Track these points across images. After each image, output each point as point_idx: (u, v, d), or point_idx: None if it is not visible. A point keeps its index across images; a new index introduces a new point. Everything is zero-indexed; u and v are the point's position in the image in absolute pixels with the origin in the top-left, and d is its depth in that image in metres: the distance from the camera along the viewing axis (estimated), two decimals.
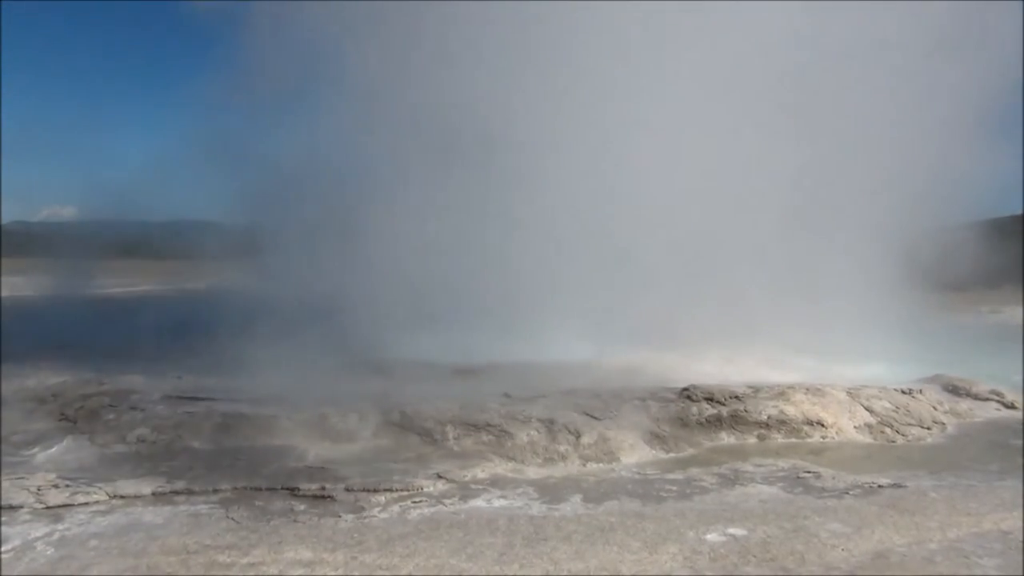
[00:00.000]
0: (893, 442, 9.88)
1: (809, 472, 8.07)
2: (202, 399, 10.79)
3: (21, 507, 6.88)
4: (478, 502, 7.20)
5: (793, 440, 9.80)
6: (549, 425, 9.31)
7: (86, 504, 7.03)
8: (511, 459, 8.73)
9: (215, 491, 7.49)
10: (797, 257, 16.01)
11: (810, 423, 10.02)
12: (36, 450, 9.12)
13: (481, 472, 8.15)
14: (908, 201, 17.16)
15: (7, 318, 20.99)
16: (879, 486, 7.45)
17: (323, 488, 7.44)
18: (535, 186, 15.46)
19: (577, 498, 7.29)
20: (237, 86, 20.39)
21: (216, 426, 9.57)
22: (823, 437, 9.89)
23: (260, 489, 7.57)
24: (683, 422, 10.02)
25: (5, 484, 7.40)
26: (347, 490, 7.41)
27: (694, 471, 8.31)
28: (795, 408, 10.21)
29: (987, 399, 11.60)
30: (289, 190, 19.88)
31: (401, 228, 15.77)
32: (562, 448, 8.96)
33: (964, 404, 11.41)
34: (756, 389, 10.72)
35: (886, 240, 16.69)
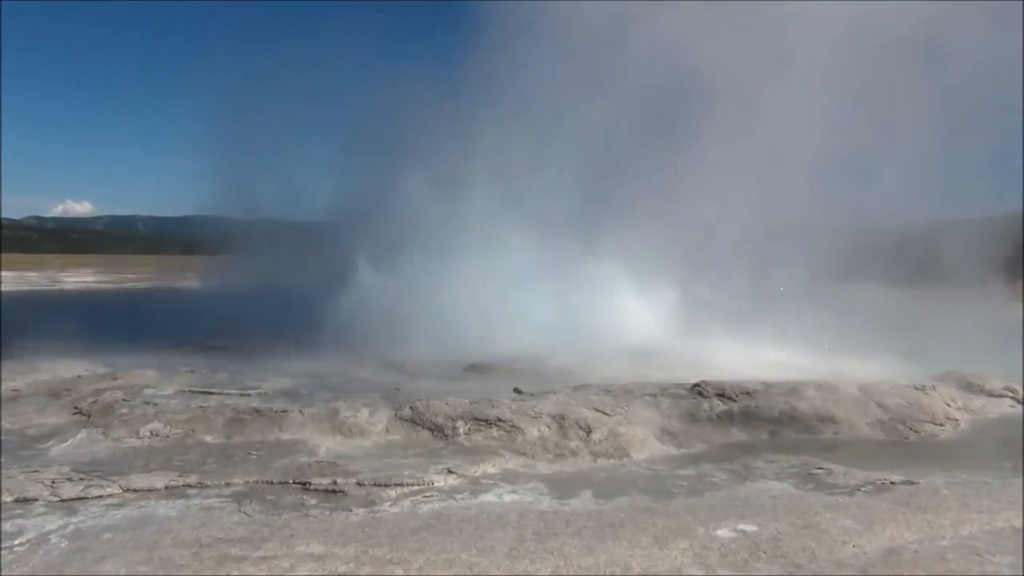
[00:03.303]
0: (905, 438, 9.82)
1: (820, 468, 8.04)
2: (214, 393, 10.87)
3: (36, 500, 6.94)
4: (489, 497, 7.22)
5: (805, 436, 9.75)
6: (560, 421, 9.31)
7: (100, 497, 7.08)
8: (522, 454, 8.74)
9: (227, 485, 7.54)
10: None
11: (822, 419, 9.98)
12: (51, 443, 9.20)
13: (492, 467, 8.16)
14: (916, 200, 17.14)
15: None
16: (891, 483, 7.41)
17: (334, 483, 7.47)
18: None
19: (587, 494, 7.29)
20: None
21: (228, 420, 9.63)
22: (835, 433, 9.84)
23: (272, 483, 7.62)
24: (694, 418, 10.00)
25: (20, 477, 7.47)
26: (358, 485, 7.44)
27: (705, 467, 8.30)
28: (807, 404, 10.17)
29: (1001, 395, 11.52)
30: None
31: None
32: (573, 444, 8.96)
33: (978, 400, 11.33)
34: (768, 385, 10.68)
35: (899, 238, 16.67)
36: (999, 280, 21.52)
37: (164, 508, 6.81)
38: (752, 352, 13.84)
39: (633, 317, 15.99)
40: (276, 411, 9.76)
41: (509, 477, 7.90)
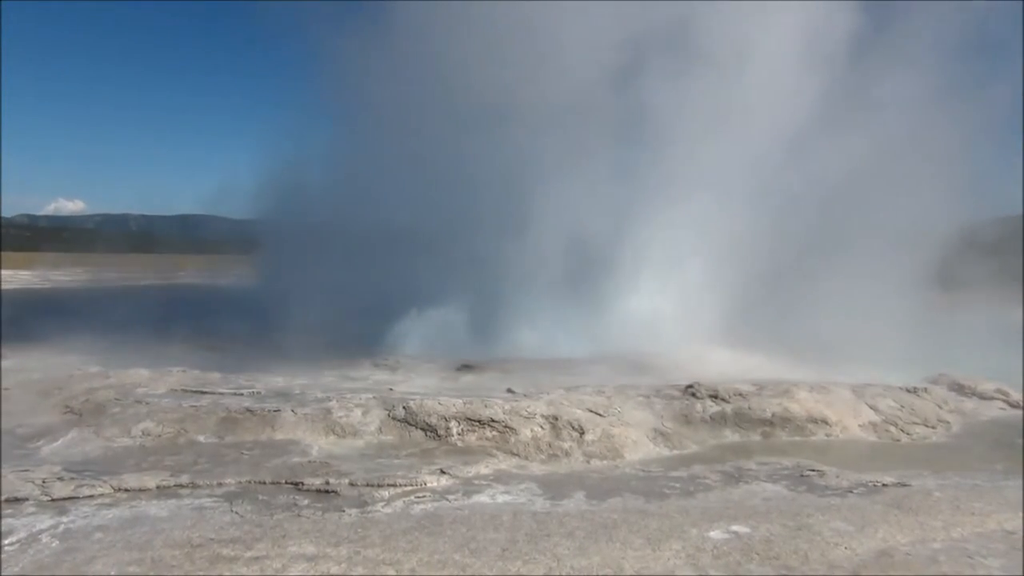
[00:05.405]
0: (898, 441, 9.87)
1: (813, 470, 8.06)
2: (207, 393, 10.83)
3: (26, 499, 6.90)
4: (481, 498, 7.21)
5: (797, 438, 9.79)
6: (553, 422, 9.30)
7: (91, 497, 7.05)
8: (515, 455, 8.74)
9: (219, 485, 7.52)
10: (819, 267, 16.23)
11: (814, 421, 10.01)
12: (41, 443, 9.15)
13: (485, 468, 8.15)
14: (925, 202, 17.14)
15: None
16: (883, 485, 7.43)
17: (327, 483, 7.45)
18: None
19: (580, 495, 7.29)
20: None
21: (221, 420, 9.59)
22: (827, 435, 9.88)
23: (264, 483, 7.59)
24: (687, 419, 10.02)
25: (11, 477, 7.43)
26: (351, 485, 7.42)
27: (698, 468, 8.31)
28: (799, 406, 10.20)
29: (992, 398, 11.57)
30: None
31: None
32: (566, 445, 8.96)
33: (969, 403, 11.39)
34: (760, 386, 10.71)
35: (904, 241, 16.66)
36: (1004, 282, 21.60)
37: (156, 508, 6.78)
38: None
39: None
40: (269, 411, 9.73)
41: (502, 478, 7.90)
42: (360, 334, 16.13)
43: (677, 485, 7.64)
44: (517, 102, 17.07)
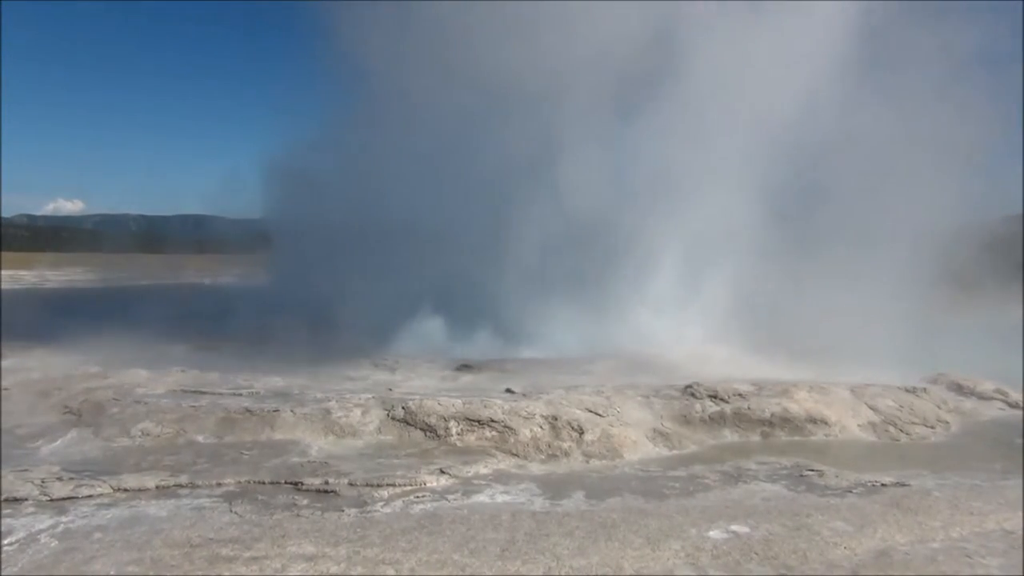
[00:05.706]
0: (897, 440, 9.87)
1: (812, 470, 8.07)
2: (206, 393, 10.82)
3: (25, 499, 6.90)
4: (481, 497, 7.21)
5: (796, 438, 9.78)
6: (552, 422, 9.30)
7: (90, 497, 7.05)
8: (514, 455, 8.74)
9: (218, 485, 7.51)
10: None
11: (814, 421, 10.01)
12: (41, 443, 9.15)
13: (484, 468, 8.16)
14: (926, 200, 17.11)
15: None
16: (882, 484, 7.43)
17: (326, 483, 7.45)
18: None
19: (580, 494, 7.29)
20: None
21: (220, 420, 9.59)
22: (827, 435, 9.88)
23: (263, 483, 7.59)
24: (686, 419, 10.01)
25: (10, 476, 7.42)
26: (350, 485, 7.42)
27: (697, 468, 8.32)
28: (799, 406, 10.20)
29: (991, 398, 11.57)
30: None
31: None
32: (565, 444, 8.96)
33: (968, 403, 11.39)
34: (760, 387, 10.71)
35: (905, 240, 16.63)
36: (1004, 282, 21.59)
37: (155, 508, 6.78)
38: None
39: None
40: (268, 411, 9.73)
41: (501, 478, 7.90)
42: (360, 333, 16.10)
43: (676, 485, 7.64)
44: (527, 90, 16.95)
